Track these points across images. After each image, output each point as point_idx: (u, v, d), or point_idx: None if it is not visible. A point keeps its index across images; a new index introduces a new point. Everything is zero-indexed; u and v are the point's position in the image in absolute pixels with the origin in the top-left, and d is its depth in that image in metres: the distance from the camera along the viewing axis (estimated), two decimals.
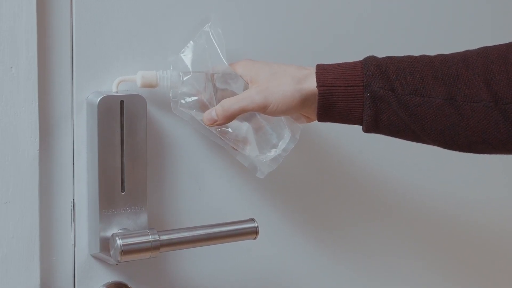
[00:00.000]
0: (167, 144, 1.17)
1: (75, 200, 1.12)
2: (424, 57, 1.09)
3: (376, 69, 1.07)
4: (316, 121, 1.13)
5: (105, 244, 1.10)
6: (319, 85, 1.09)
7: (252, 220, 1.16)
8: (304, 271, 1.33)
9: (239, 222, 1.16)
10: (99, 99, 1.08)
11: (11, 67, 1.03)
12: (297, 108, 1.11)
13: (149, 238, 1.08)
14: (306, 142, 1.30)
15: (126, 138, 1.10)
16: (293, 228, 1.31)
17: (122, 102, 1.09)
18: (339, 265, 1.37)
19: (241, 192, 1.25)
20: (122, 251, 1.06)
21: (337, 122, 1.11)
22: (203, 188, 1.21)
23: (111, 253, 1.08)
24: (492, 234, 1.54)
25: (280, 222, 1.29)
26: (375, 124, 1.08)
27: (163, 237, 1.09)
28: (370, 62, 1.08)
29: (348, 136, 1.33)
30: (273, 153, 1.16)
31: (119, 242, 1.06)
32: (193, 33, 1.14)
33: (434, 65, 1.07)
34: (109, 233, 1.10)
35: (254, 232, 1.16)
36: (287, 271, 1.32)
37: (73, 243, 1.12)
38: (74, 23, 1.09)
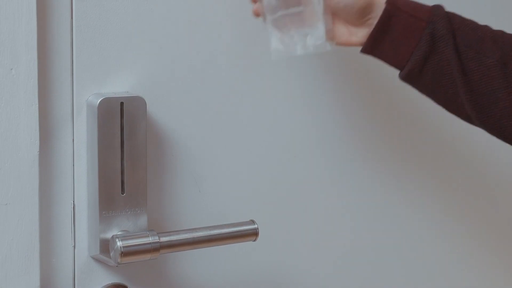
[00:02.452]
0: (167, 145, 1.17)
1: (75, 202, 1.12)
2: (486, 26, 1.13)
3: (444, 13, 1.10)
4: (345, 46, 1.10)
5: (105, 245, 1.10)
6: (388, 1, 1.10)
7: (252, 221, 1.16)
8: (304, 272, 1.33)
9: (239, 224, 1.16)
10: (99, 100, 1.08)
11: (11, 69, 1.03)
12: (357, 8, 1.09)
13: (149, 239, 1.08)
14: (306, 142, 1.30)
15: (126, 139, 1.10)
16: (293, 229, 1.31)
17: (122, 103, 1.09)
18: (339, 266, 1.37)
19: (241, 193, 1.25)
20: (122, 252, 1.06)
21: (379, 55, 1.11)
22: (203, 189, 1.21)
23: (111, 254, 1.08)
24: (494, 233, 1.54)
25: (280, 224, 1.29)
26: (422, 64, 1.09)
27: (163, 239, 1.09)
28: (440, 7, 1.11)
29: (349, 136, 1.33)
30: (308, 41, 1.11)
31: (119, 243, 1.06)
32: None
33: (495, 33, 1.11)
34: (109, 235, 1.10)
35: (254, 234, 1.16)
36: (287, 273, 1.32)
37: (73, 244, 1.12)
38: (74, 25, 1.09)
